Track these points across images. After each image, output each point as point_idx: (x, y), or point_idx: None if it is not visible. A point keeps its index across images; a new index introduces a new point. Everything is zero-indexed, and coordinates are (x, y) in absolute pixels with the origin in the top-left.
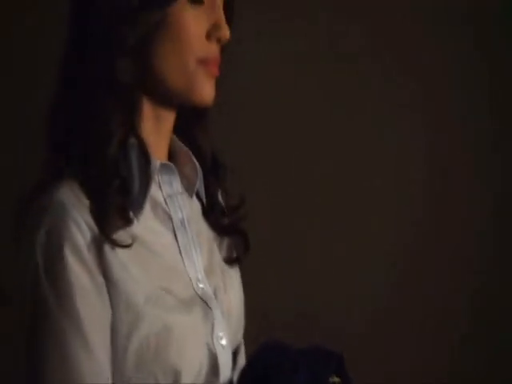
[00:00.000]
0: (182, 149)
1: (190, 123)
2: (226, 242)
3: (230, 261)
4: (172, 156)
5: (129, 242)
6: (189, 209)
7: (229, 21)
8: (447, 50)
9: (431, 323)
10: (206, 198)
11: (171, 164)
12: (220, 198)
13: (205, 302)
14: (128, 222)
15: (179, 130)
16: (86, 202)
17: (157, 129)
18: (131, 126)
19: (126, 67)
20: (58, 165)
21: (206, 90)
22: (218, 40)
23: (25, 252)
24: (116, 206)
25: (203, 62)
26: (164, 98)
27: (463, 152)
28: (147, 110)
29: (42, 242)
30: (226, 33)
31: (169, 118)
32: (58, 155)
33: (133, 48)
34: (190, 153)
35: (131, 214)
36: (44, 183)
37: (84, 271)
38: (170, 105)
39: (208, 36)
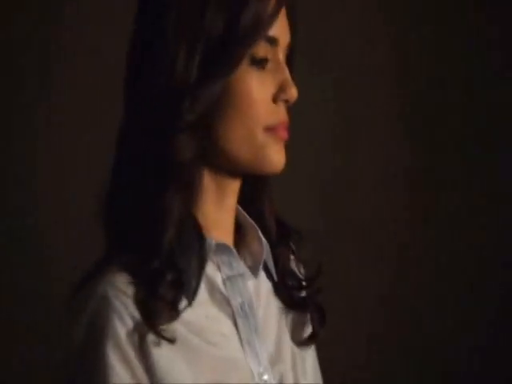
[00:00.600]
0: (248, 222)
1: (254, 192)
2: (297, 318)
3: (301, 342)
4: (239, 230)
5: (175, 336)
6: (252, 291)
7: (291, 74)
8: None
9: None
10: (276, 273)
11: (227, 244)
12: (294, 268)
13: None
14: (177, 316)
15: (242, 199)
16: (132, 291)
17: (219, 203)
18: (188, 210)
19: (185, 144)
20: (110, 251)
21: (276, 158)
22: (286, 101)
23: (66, 345)
24: (167, 300)
25: (271, 129)
26: (229, 169)
27: None
28: (209, 183)
29: (80, 334)
30: (293, 93)
31: (233, 190)
32: (110, 241)
33: (193, 124)
34: (257, 227)
35: (183, 300)
36: (93, 270)
37: (125, 368)
38: (235, 176)
39: (275, 99)
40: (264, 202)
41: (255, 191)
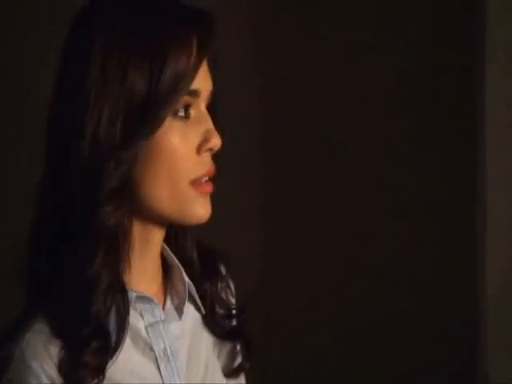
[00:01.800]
0: (174, 263)
1: (176, 229)
2: (229, 349)
3: (230, 372)
4: (167, 269)
5: None
6: (176, 333)
7: (214, 122)
8: None
9: None
10: (204, 306)
11: (147, 296)
12: (223, 296)
13: None
14: (100, 382)
15: (165, 236)
16: (55, 352)
17: (144, 254)
18: (117, 271)
19: (112, 210)
20: (31, 304)
21: (200, 212)
22: (210, 150)
23: None
24: (90, 367)
25: (196, 182)
26: (152, 223)
27: None
28: (135, 237)
29: None
30: (216, 142)
31: (158, 240)
32: (32, 297)
33: (118, 188)
34: (181, 268)
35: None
36: (13, 328)
37: None
38: (159, 228)
39: (198, 150)
40: (185, 238)
41: (177, 229)
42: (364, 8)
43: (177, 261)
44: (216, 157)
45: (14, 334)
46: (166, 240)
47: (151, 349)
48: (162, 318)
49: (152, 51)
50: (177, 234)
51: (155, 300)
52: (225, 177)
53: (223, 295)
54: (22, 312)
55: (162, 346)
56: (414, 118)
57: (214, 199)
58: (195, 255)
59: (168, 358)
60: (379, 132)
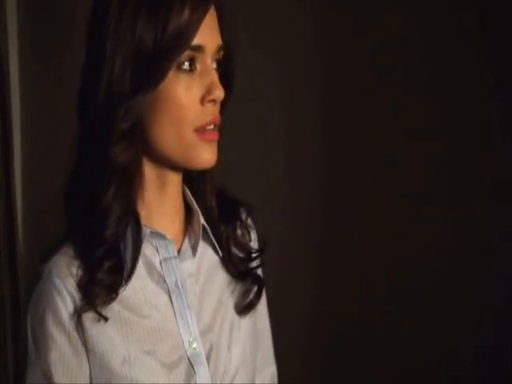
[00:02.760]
0: (193, 206)
1: (195, 176)
2: (242, 288)
3: (240, 310)
4: (189, 212)
5: (110, 313)
6: (190, 270)
7: (229, 77)
8: None
9: None
10: (221, 248)
11: (161, 232)
12: (242, 239)
13: (191, 365)
14: (114, 298)
15: (187, 179)
16: (76, 271)
17: (161, 193)
18: (129, 204)
19: (122, 150)
20: (67, 236)
21: (205, 158)
22: (213, 101)
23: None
24: (103, 284)
25: (200, 130)
26: (165, 166)
27: None
28: (150, 176)
29: (32, 307)
30: (219, 94)
31: (174, 180)
32: (68, 227)
33: (127, 131)
34: (198, 211)
35: (121, 281)
36: (50, 252)
37: (62, 335)
38: (173, 170)
39: (202, 101)
40: (205, 183)
41: (197, 174)
42: None
43: (195, 204)
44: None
45: (49, 256)
46: (189, 184)
47: (164, 281)
48: (175, 254)
49: (158, 6)
50: (197, 178)
51: (168, 237)
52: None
53: (242, 240)
54: (58, 241)
55: (174, 279)
56: None
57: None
58: (214, 200)
59: (179, 290)
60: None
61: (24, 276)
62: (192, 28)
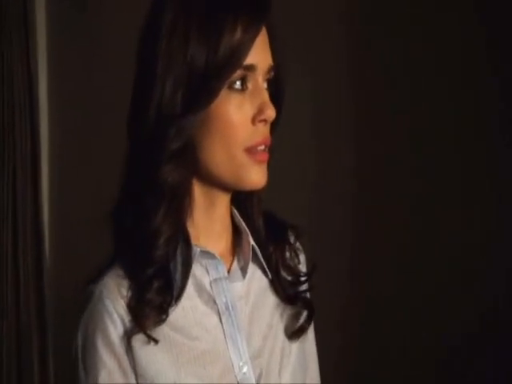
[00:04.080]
0: (242, 226)
1: (244, 195)
2: (292, 312)
3: (290, 335)
4: (237, 233)
5: (159, 335)
6: (240, 292)
7: (279, 98)
8: None
9: None
10: (270, 270)
11: (211, 251)
12: (290, 262)
13: None
14: (165, 320)
15: (235, 200)
16: (126, 292)
17: (209, 213)
18: (179, 223)
19: (172, 169)
20: (114, 256)
21: (256, 179)
22: (265, 121)
23: (75, 332)
24: (153, 305)
25: (251, 151)
26: (215, 186)
27: None
28: (199, 197)
29: (82, 328)
30: (270, 113)
31: (222, 201)
32: (116, 248)
33: (178, 151)
34: (247, 231)
35: (171, 301)
36: (96, 274)
37: (112, 357)
38: (222, 191)
39: (253, 121)
40: (253, 204)
41: (245, 195)
42: None
43: (244, 224)
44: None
45: (98, 276)
46: (237, 205)
47: (214, 302)
48: (226, 275)
49: (210, 26)
50: (245, 199)
51: (218, 256)
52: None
53: (290, 263)
54: (104, 262)
55: (224, 300)
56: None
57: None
58: (261, 221)
59: (229, 312)
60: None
61: (50, 289)
62: (245, 47)
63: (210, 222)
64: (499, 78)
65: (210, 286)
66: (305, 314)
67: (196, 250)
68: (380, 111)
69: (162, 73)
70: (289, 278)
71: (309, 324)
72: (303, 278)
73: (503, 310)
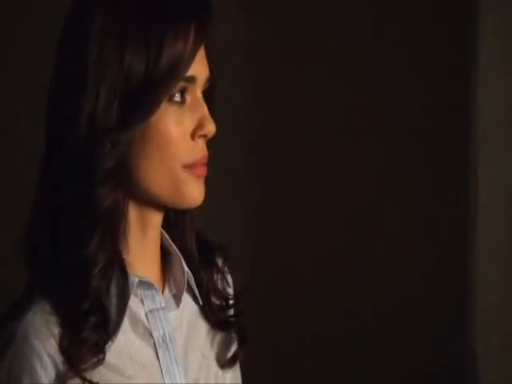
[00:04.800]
0: (173, 250)
1: (176, 215)
2: (223, 339)
3: (224, 363)
4: (166, 257)
5: (96, 379)
6: (174, 321)
7: (210, 109)
8: None
9: None
10: (201, 295)
11: (150, 281)
12: (220, 286)
13: None
14: (101, 360)
15: (165, 222)
16: (57, 330)
17: (143, 236)
18: (115, 250)
19: (107, 192)
20: (32, 283)
21: (194, 194)
22: (204, 136)
23: None
24: (89, 344)
25: (190, 166)
26: (150, 206)
27: None
28: (133, 218)
29: (4, 370)
30: (211, 128)
31: (156, 222)
32: (33, 270)
33: (112, 170)
34: (180, 256)
35: (109, 332)
36: (15, 307)
37: None
38: (157, 211)
39: (193, 135)
40: (185, 226)
41: (177, 215)
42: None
43: (176, 249)
44: (209, 147)
45: (17, 313)
46: (166, 228)
47: (150, 335)
48: (163, 305)
49: (150, 36)
50: (176, 221)
51: (156, 286)
52: (218, 170)
53: (219, 286)
54: (23, 291)
55: (161, 332)
56: (406, 118)
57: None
58: (194, 245)
59: (167, 344)
60: (372, 133)
61: None
62: (188, 58)
63: (143, 246)
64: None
65: (146, 318)
66: (236, 340)
67: (134, 280)
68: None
69: (94, 83)
70: (217, 302)
71: (241, 351)
72: (232, 302)
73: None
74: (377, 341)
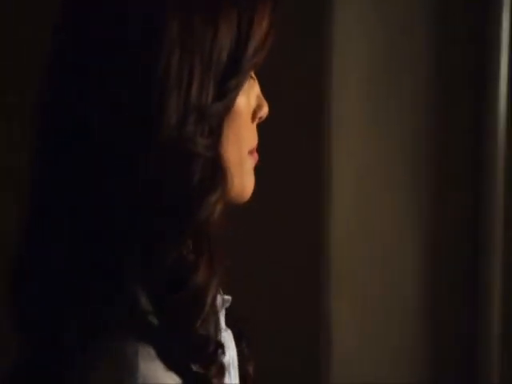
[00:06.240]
0: None
1: None
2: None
3: None
4: None
5: None
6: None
7: None
8: None
9: None
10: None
11: (229, 298)
12: None
13: None
14: None
15: None
16: (176, 378)
17: None
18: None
19: (216, 199)
20: (108, 317)
21: (251, 186)
22: (260, 119)
23: None
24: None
25: (251, 152)
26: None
27: None
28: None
29: None
30: (267, 110)
31: None
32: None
33: (216, 165)
34: None
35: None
36: (89, 355)
37: None
38: None
39: (253, 117)
40: None
41: None
42: None
43: None
44: None
45: (117, 361)
46: None
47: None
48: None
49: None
50: None
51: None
52: None
53: None
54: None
55: (232, 353)
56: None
57: None
58: None
59: (229, 372)
60: None
61: None
62: (272, 31)
63: None
64: None
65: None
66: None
67: (220, 298)
68: None
69: (188, 54)
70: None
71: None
72: None
73: None
74: None
